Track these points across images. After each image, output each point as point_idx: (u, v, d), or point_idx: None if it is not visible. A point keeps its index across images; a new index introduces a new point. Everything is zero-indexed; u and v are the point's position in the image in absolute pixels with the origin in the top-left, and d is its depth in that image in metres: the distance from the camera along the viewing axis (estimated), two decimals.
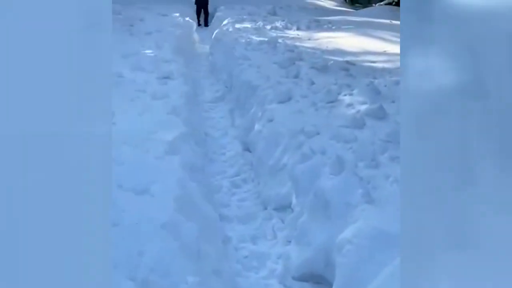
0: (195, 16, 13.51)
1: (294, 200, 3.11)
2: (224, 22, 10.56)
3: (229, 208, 3.57)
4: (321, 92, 4.44)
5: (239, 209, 3.57)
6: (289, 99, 4.36)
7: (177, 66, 5.93)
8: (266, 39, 7.59)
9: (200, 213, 2.69)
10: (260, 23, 9.56)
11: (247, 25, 9.58)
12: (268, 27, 9.25)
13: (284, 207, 3.28)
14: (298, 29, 9.27)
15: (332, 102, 4.19)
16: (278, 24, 9.63)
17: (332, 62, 5.89)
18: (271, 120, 3.92)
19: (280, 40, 7.72)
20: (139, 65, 5.83)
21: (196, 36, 11.13)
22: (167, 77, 5.30)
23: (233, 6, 13.12)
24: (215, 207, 3.40)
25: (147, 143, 3.11)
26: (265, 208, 3.47)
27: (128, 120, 3.55)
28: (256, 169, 3.86)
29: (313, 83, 4.98)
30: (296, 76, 5.34)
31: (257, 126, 4.13)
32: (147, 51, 6.83)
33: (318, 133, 3.38)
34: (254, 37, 8.06)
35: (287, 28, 9.37)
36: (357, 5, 17.35)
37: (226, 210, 3.54)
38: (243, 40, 7.72)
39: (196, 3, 13.40)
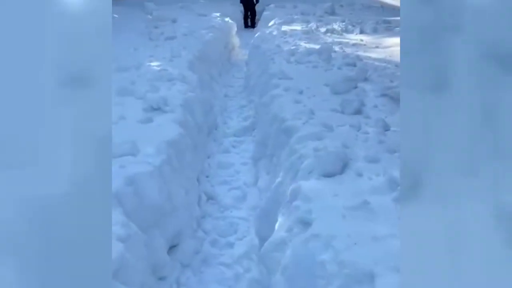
0: (240, 16, 11.72)
1: None
2: (270, 23, 8.66)
3: None
4: None
5: None
6: (345, 167, 2.36)
7: (182, 88, 4.09)
8: (318, 46, 5.58)
9: None
10: (313, 25, 7.54)
11: (297, 27, 7.60)
12: (323, 29, 7.22)
13: None
14: (361, 32, 7.17)
15: None
16: (336, 25, 7.56)
17: None
18: (306, 224, 1.94)
19: (336, 48, 5.70)
20: (130, 86, 4.06)
21: (236, 40, 9.30)
22: (157, 109, 3.47)
23: (284, 4, 11.17)
24: None
25: None
26: None
27: None
28: None
29: (387, 127, 2.95)
30: (359, 111, 3.33)
31: (280, 225, 2.17)
32: (153, 64, 5.06)
33: None
34: (302, 44, 6.08)
35: (347, 31, 7.29)
36: None
37: None
38: (287, 48, 5.76)
39: (241, 1, 11.59)
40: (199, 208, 3.06)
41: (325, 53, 5.18)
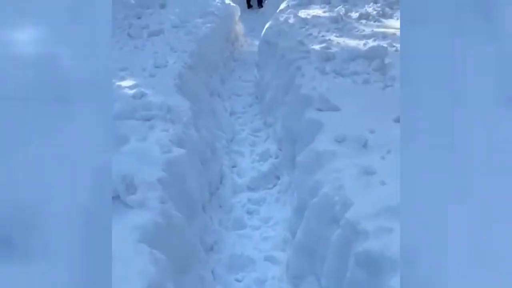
0: None
1: None
2: (282, 6, 6.92)
3: None
4: None
5: None
6: None
7: (165, 136, 2.51)
8: (365, 47, 3.95)
9: None
10: (341, 9, 5.82)
11: (319, 11, 5.90)
12: (355, 15, 5.52)
13: None
14: None
15: None
16: (369, 8, 5.86)
17: None
18: None
19: (384, 44, 4.05)
20: None
21: (240, 27, 7.62)
22: (115, 198, 1.90)
23: None
24: None
25: None
26: None
27: None
28: None
29: None
30: None
31: None
32: (126, 84, 3.44)
33: None
34: (334, 38, 4.43)
35: (385, 15, 5.60)
36: None
37: None
38: (315, 47, 4.11)
39: None
40: None
41: (376, 57, 3.55)
